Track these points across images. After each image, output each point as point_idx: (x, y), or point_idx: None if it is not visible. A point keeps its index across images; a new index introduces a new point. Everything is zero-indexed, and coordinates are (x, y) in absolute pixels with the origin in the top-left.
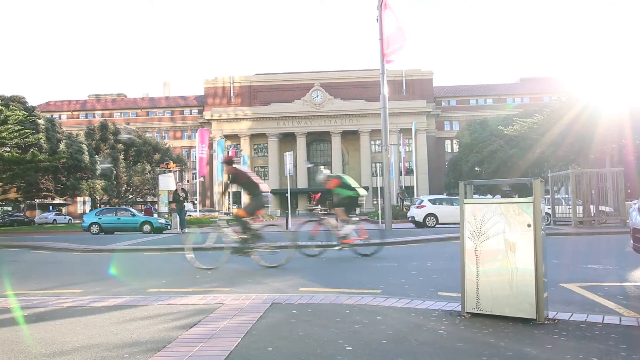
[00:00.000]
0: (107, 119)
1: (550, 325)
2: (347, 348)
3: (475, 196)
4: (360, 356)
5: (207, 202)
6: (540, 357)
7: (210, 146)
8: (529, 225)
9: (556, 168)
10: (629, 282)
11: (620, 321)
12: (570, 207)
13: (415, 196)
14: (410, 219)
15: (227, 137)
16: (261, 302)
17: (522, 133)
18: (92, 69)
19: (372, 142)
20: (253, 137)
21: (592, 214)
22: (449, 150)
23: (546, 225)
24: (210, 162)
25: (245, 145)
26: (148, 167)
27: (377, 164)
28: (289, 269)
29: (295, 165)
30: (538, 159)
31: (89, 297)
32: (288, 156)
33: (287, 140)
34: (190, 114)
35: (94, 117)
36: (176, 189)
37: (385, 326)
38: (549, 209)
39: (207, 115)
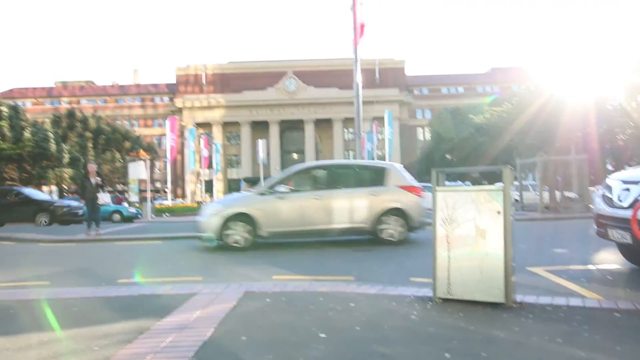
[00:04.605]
0: (74, 106)
1: (518, 308)
2: (321, 335)
3: (447, 183)
4: (334, 343)
5: (179, 192)
6: (508, 340)
7: (182, 134)
8: (498, 212)
9: (524, 155)
10: (591, 265)
11: (584, 303)
12: (538, 193)
13: None
14: None
15: (199, 125)
16: (235, 291)
17: (492, 121)
18: (59, 56)
19: (345, 130)
20: (226, 125)
21: (558, 200)
22: (421, 138)
23: (515, 211)
24: (181, 151)
25: (217, 134)
26: (118, 156)
27: (351, 152)
28: (262, 257)
29: (268, 154)
30: (507, 147)
31: (57, 289)
32: (261, 144)
33: (261, 128)
34: (162, 101)
35: (61, 104)
36: (85, 173)
37: (359, 313)
38: (517, 195)
39: (178, 103)
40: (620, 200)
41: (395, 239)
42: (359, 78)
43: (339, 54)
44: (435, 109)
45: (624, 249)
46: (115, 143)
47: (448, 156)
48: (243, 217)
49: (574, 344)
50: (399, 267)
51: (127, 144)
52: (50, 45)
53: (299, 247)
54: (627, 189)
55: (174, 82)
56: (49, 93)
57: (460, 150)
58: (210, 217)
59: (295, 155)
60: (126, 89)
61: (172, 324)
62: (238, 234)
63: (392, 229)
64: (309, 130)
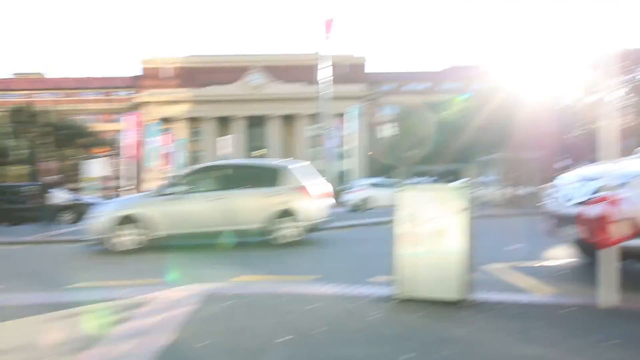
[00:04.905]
0: (28, 99)
1: (476, 306)
2: (285, 338)
3: (410, 180)
4: (298, 346)
5: (143, 189)
6: (467, 338)
7: (143, 130)
8: (459, 211)
9: (484, 152)
10: (545, 261)
11: (537, 299)
12: (496, 190)
13: (351, 180)
14: (345, 202)
15: (163, 120)
16: (195, 293)
17: (453, 119)
18: (13, 47)
19: (310, 126)
20: (190, 120)
21: (514, 197)
22: (385, 135)
23: (474, 208)
24: (142, 147)
25: (182, 129)
26: (73, 152)
27: (314, 148)
28: (224, 257)
29: (233, 150)
30: (469, 144)
31: (6, 296)
32: (223, 140)
33: (226, 124)
34: (123, 95)
35: (17, 98)
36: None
37: (322, 314)
38: (477, 192)
39: (141, 97)
40: (573, 197)
41: (290, 241)
42: (324, 74)
43: (306, 49)
44: (398, 105)
45: (574, 245)
46: (70, 139)
47: (410, 153)
48: (136, 219)
49: (528, 339)
50: (362, 266)
51: (84, 140)
52: (5, 36)
53: (263, 246)
54: (581, 186)
55: (138, 75)
56: (6, 86)
57: (422, 147)
58: (100, 219)
59: (261, 151)
60: (85, 82)
61: (130, 330)
62: (129, 236)
63: (286, 230)
64: (275, 126)
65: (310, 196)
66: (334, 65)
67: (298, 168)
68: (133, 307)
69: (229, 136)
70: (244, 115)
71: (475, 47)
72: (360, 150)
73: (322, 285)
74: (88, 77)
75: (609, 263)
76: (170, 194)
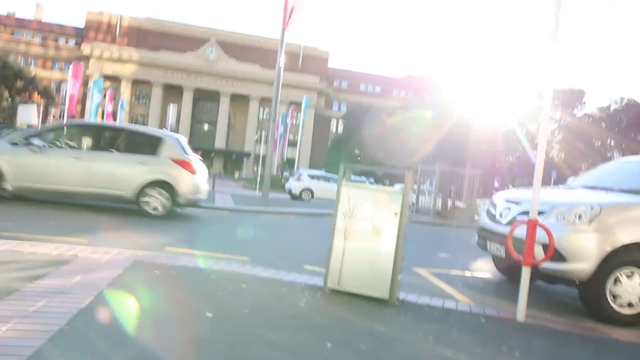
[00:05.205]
0: None
1: (399, 306)
2: (208, 314)
3: (352, 177)
4: (220, 323)
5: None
6: (386, 335)
7: (85, 84)
8: (395, 214)
9: (425, 162)
10: (469, 272)
11: (457, 306)
12: (432, 199)
13: (295, 169)
14: (287, 190)
15: (106, 77)
16: (122, 258)
17: (402, 125)
18: None
19: (261, 109)
20: (136, 82)
21: (449, 208)
22: (334, 130)
23: (409, 213)
24: (82, 101)
25: (126, 90)
26: (6, 94)
27: (263, 132)
28: (157, 226)
29: (178, 120)
30: (412, 151)
31: None
32: (172, 109)
33: (173, 92)
34: (66, 44)
35: None
36: None
37: (249, 295)
38: (414, 198)
39: (86, 49)
40: (501, 217)
41: (158, 213)
42: (282, 60)
43: (266, 32)
44: (351, 103)
45: (497, 260)
46: (5, 80)
47: (357, 151)
48: None
49: (443, 343)
50: (295, 253)
51: (20, 83)
52: None
53: (200, 222)
54: (509, 208)
55: (83, 26)
56: None
57: (368, 148)
58: None
59: (206, 126)
60: (26, 23)
61: (47, 288)
62: None
63: (156, 201)
64: (224, 103)
65: (193, 171)
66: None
67: (182, 140)
68: (56, 263)
69: (175, 105)
70: (194, 87)
71: (432, 60)
72: (308, 141)
73: (254, 266)
74: (30, 19)
75: (526, 280)
76: (32, 145)
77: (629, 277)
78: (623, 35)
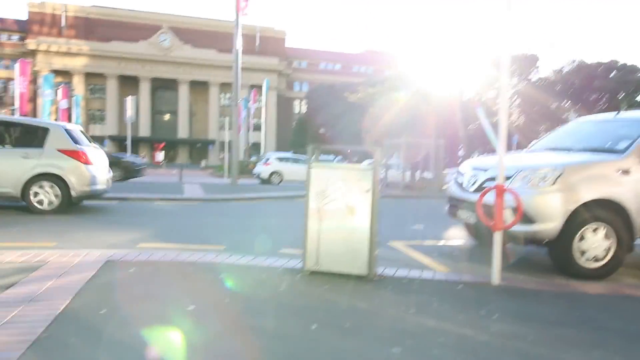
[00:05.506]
0: None
1: (379, 281)
2: (190, 308)
3: (321, 157)
4: (203, 316)
5: None
6: (369, 311)
7: (35, 81)
8: (367, 191)
9: (392, 136)
10: (442, 241)
11: (434, 276)
12: (400, 172)
13: (262, 153)
14: (256, 175)
15: (56, 72)
16: (94, 259)
17: (365, 101)
18: None
19: (222, 95)
20: (88, 76)
21: (417, 180)
22: (297, 111)
23: (379, 188)
24: (34, 99)
25: (78, 84)
26: None
27: (226, 118)
28: (125, 223)
29: (137, 112)
30: (377, 126)
31: None
32: (129, 101)
33: (130, 83)
34: (9, 39)
35: None
36: None
37: (229, 284)
38: (383, 173)
39: (31, 44)
40: (470, 185)
41: (48, 208)
42: (239, 43)
43: (220, 15)
44: (312, 82)
45: (469, 227)
46: None
47: (322, 130)
48: None
49: (425, 313)
50: (271, 238)
51: None
52: None
53: (168, 214)
54: (476, 175)
55: (26, 19)
56: None
57: (334, 126)
58: None
59: (167, 116)
60: None
61: (19, 295)
62: None
63: (45, 196)
64: (183, 91)
65: (87, 162)
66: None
67: (72, 129)
68: (26, 270)
69: (133, 97)
70: (151, 77)
71: (390, 34)
72: (273, 124)
73: (230, 255)
74: None
75: (498, 245)
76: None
77: (593, 232)
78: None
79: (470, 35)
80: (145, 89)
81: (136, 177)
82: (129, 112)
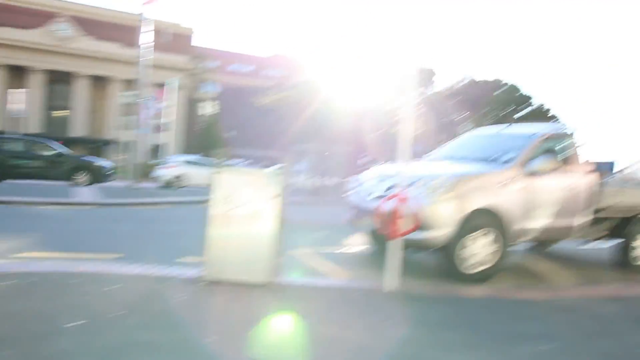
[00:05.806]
0: None
1: (281, 289)
2: (75, 323)
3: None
4: (92, 331)
5: None
6: (270, 320)
7: None
8: (273, 196)
9: (298, 142)
10: (343, 248)
11: (335, 283)
12: (307, 178)
13: (165, 155)
14: (157, 178)
15: None
16: None
17: (275, 105)
18: None
19: (125, 92)
20: None
21: (322, 186)
22: (205, 112)
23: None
24: None
25: None
26: None
27: (128, 117)
28: (5, 230)
29: (27, 107)
30: (285, 131)
31: None
32: (16, 94)
33: (20, 75)
34: None
35: None
36: None
37: (122, 296)
38: (290, 179)
39: None
40: (369, 193)
41: None
42: (146, 38)
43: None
44: (222, 84)
45: (369, 234)
46: None
47: (231, 133)
48: None
49: (326, 320)
50: (171, 245)
51: None
52: None
53: (61, 220)
54: (375, 184)
55: None
56: None
57: (242, 129)
58: None
59: (62, 112)
60: None
61: None
62: None
63: None
64: (82, 86)
65: None
66: (158, 32)
67: None
68: None
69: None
70: (45, 69)
71: (299, 39)
72: (178, 125)
73: (124, 264)
74: None
75: (394, 252)
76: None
77: (478, 239)
78: (468, 19)
79: (378, 45)
80: (36, 81)
81: (104, 182)
82: (14, 105)
